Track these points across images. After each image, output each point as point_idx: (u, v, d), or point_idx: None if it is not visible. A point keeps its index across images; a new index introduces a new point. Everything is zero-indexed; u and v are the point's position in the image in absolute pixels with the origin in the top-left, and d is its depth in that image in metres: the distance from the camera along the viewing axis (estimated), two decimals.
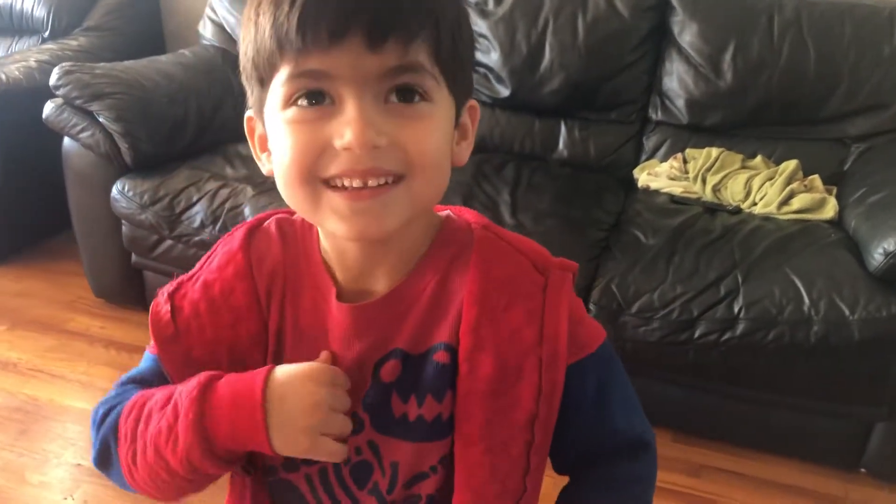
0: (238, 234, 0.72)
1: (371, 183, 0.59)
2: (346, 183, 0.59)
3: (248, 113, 0.68)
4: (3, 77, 2.40)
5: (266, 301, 0.70)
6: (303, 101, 0.59)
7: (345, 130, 0.57)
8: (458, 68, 0.63)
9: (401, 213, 0.61)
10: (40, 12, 2.81)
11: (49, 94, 2.18)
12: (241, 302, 0.69)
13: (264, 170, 0.67)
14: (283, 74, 0.59)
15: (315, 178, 0.60)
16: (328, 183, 0.60)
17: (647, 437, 0.75)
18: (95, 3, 2.86)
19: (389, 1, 0.57)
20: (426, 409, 0.67)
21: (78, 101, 2.13)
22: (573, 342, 0.67)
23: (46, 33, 2.82)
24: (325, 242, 0.70)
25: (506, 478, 0.68)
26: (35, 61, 2.53)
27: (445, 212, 0.74)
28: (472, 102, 0.68)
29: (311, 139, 0.59)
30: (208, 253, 0.73)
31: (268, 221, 0.73)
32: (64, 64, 2.18)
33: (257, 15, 0.59)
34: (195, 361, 0.68)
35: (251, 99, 0.65)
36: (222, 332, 0.68)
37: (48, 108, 2.18)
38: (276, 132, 0.61)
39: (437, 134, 0.62)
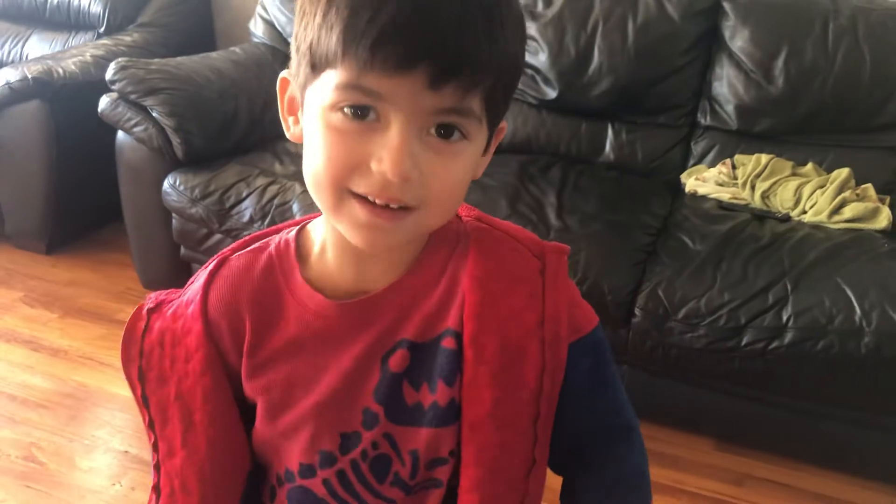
0: (203, 273, 0.74)
1: (392, 205, 0.61)
2: (371, 198, 0.61)
3: (284, 74, 0.68)
4: (61, 71, 2.46)
5: (231, 338, 0.72)
6: (348, 111, 0.59)
7: (384, 156, 0.58)
8: (502, 108, 0.65)
9: (409, 234, 0.64)
10: (96, 8, 2.88)
11: (104, 88, 2.23)
12: (193, 342, 0.72)
13: (288, 133, 0.69)
14: (337, 76, 0.59)
15: (344, 188, 0.61)
16: (353, 193, 0.61)
17: (634, 422, 0.76)
18: (149, 0, 2.91)
19: (464, 44, 0.57)
20: (439, 394, 0.69)
21: (132, 96, 2.18)
22: (570, 324, 0.69)
23: (102, 29, 2.88)
24: (321, 248, 0.71)
25: (515, 451, 0.70)
26: (91, 56, 2.58)
27: None
28: (502, 124, 0.69)
29: (348, 154, 0.60)
30: (192, 278, 0.76)
31: (234, 256, 0.74)
32: (120, 59, 2.22)
33: (329, 5, 0.58)
34: (148, 382, 0.73)
35: (295, 69, 0.64)
36: (177, 364, 0.72)
37: (103, 102, 2.23)
38: (314, 127, 0.62)
39: (465, 170, 0.64)
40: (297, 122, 0.67)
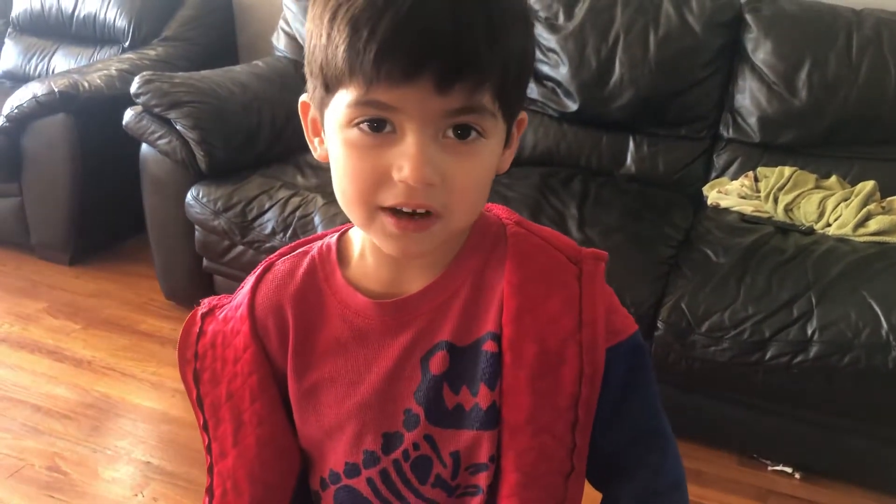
0: (251, 278, 0.77)
1: (419, 211, 0.62)
2: (398, 208, 0.63)
3: (304, 98, 0.70)
4: (86, 85, 2.49)
5: (278, 337, 0.74)
6: (364, 126, 0.61)
7: (404, 164, 0.60)
8: (516, 100, 0.65)
9: (438, 239, 0.66)
10: (121, 23, 2.92)
11: (129, 101, 2.25)
12: (241, 343, 0.74)
13: (316, 154, 0.71)
14: (349, 95, 0.61)
15: (373, 205, 0.63)
16: (382, 208, 0.63)
17: (668, 431, 0.75)
18: (173, 15, 2.95)
19: (463, 45, 0.58)
20: (481, 397, 0.70)
21: (157, 109, 2.20)
22: (607, 328, 0.70)
23: (126, 43, 2.92)
24: (360, 252, 0.73)
25: (553, 457, 0.70)
26: (116, 70, 2.61)
27: None
28: (522, 115, 0.70)
29: (370, 168, 0.62)
30: (242, 283, 0.78)
31: (280, 261, 0.77)
32: (144, 73, 2.25)
33: (331, 27, 0.60)
34: (202, 384, 0.76)
35: (311, 91, 0.67)
36: (227, 366, 0.75)
37: (128, 115, 2.26)
38: (335, 146, 0.64)
39: (486, 168, 0.65)
40: (322, 142, 0.69)
